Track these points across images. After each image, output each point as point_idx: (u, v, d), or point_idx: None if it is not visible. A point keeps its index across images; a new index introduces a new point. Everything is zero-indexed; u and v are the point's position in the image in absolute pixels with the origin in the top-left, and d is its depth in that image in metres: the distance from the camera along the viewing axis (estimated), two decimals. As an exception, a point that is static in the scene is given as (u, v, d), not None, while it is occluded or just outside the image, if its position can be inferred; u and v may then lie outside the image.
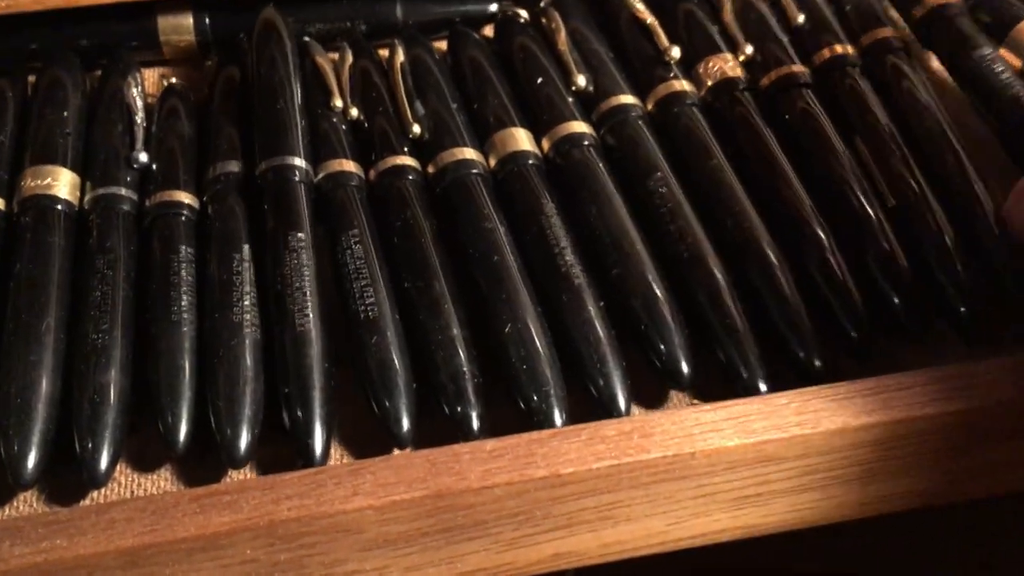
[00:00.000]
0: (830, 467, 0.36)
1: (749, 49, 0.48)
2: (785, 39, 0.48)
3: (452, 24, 0.52)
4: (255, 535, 0.32)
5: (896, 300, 0.39)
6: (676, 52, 0.47)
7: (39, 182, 0.42)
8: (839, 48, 0.47)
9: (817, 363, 0.38)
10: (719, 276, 0.39)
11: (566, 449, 0.34)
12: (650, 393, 0.38)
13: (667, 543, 0.36)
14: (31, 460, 0.35)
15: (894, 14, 0.50)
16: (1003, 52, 0.47)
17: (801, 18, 0.49)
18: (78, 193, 0.43)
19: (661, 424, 0.34)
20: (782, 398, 0.35)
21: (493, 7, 0.53)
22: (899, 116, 0.45)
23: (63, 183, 0.42)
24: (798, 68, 0.47)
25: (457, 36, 0.51)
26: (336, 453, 0.37)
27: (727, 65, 0.47)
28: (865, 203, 0.41)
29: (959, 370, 0.35)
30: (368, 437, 0.37)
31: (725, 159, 0.44)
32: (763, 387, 0.37)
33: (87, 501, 0.36)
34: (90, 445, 0.35)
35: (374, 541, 0.34)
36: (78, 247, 0.41)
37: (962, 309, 0.38)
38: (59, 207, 0.42)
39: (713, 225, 0.41)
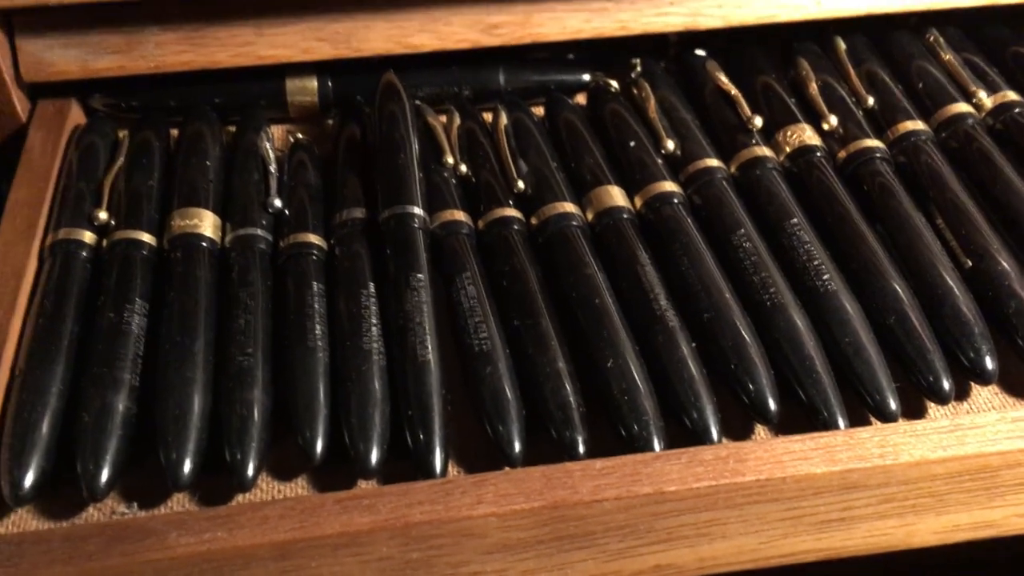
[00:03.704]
0: (906, 496, 0.39)
1: (834, 120, 0.52)
2: (860, 114, 0.53)
3: (548, 91, 0.57)
4: (391, 535, 0.36)
5: (969, 349, 0.42)
6: (758, 121, 0.52)
7: (187, 222, 0.47)
8: (910, 124, 0.52)
9: (892, 406, 0.41)
10: (800, 323, 0.43)
11: (668, 470, 0.37)
12: (736, 428, 0.42)
13: (758, 560, 0.39)
14: (187, 466, 0.39)
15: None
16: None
17: (871, 100, 0.53)
18: (220, 233, 0.48)
19: (754, 451, 0.38)
20: (865, 432, 0.39)
21: (586, 77, 0.58)
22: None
23: (207, 224, 0.47)
24: (874, 142, 0.51)
25: (554, 101, 0.56)
26: (452, 471, 0.41)
27: (805, 134, 0.52)
28: (940, 261, 0.45)
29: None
30: (481, 457, 0.41)
31: (803, 217, 0.48)
32: (842, 425, 0.40)
33: (233, 504, 0.40)
34: (238, 454, 0.39)
35: (494, 545, 0.37)
36: (221, 280, 0.46)
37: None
38: (204, 244, 0.47)
39: (793, 277, 0.45)
